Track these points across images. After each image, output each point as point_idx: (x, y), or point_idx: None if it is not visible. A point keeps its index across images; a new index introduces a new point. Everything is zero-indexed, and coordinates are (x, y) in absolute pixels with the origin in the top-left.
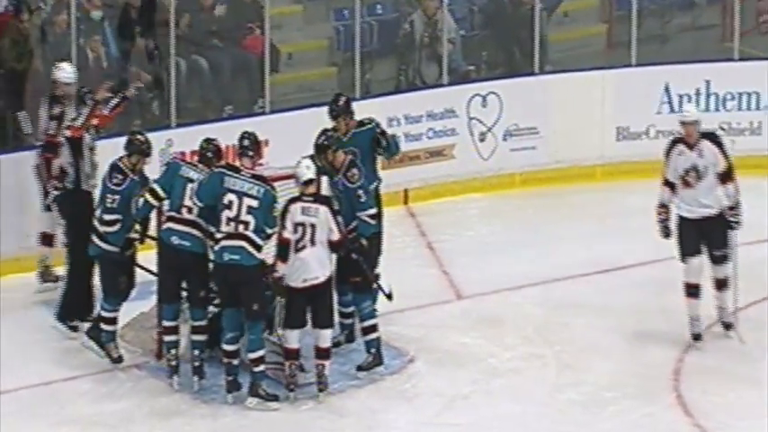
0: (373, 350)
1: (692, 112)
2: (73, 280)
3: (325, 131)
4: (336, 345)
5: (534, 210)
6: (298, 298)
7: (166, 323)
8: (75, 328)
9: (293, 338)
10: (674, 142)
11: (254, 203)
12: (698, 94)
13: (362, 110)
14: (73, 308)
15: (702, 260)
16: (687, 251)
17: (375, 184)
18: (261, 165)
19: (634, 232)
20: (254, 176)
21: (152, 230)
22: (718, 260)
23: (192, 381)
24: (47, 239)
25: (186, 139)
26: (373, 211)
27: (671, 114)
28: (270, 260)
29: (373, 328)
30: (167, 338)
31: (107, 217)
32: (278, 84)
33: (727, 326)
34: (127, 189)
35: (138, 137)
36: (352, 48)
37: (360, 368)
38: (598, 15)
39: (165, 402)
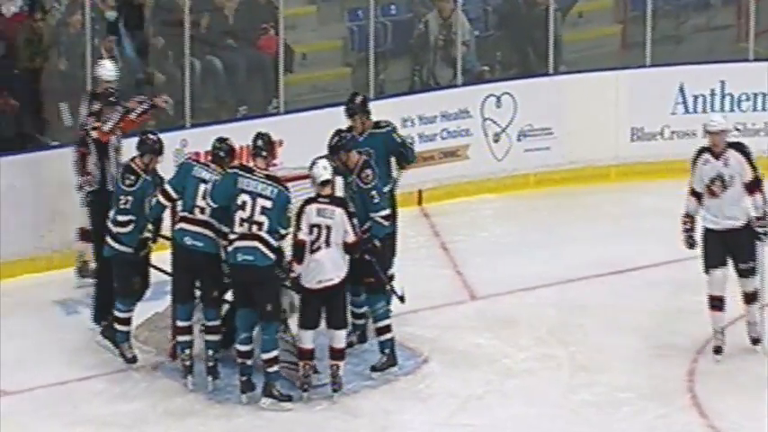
0: (387, 351)
1: (719, 121)
2: (102, 280)
3: (339, 132)
4: (349, 345)
5: (548, 210)
6: (312, 299)
7: (180, 323)
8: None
9: (308, 339)
10: (701, 151)
11: (268, 204)
12: (713, 94)
13: (376, 110)
14: (106, 308)
15: (726, 272)
16: (711, 263)
17: (390, 186)
18: (275, 165)
19: (648, 233)
20: (267, 177)
21: (166, 230)
22: (744, 273)
23: (206, 381)
24: (85, 235)
25: (200, 140)
26: (387, 212)
27: (685, 115)
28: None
29: (387, 329)
30: (181, 339)
31: (120, 218)
32: (292, 84)
33: (755, 341)
34: (140, 189)
35: (150, 136)
36: (366, 48)
37: (374, 369)
38: (613, 16)
39: (180, 402)
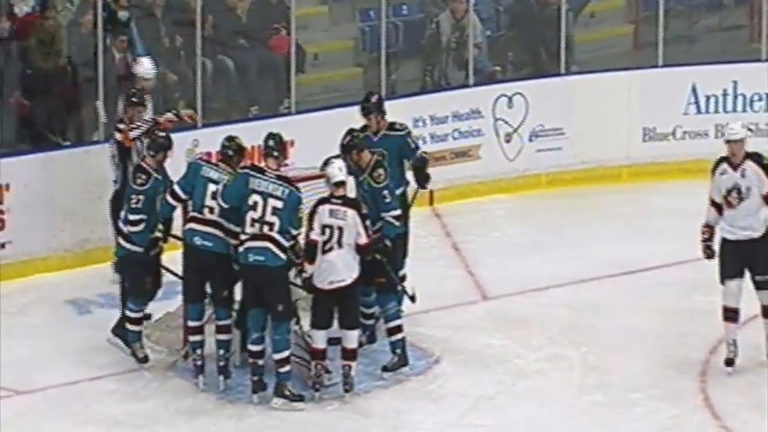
0: (398, 351)
1: (738, 130)
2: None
3: (351, 131)
4: (359, 345)
5: (560, 211)
6: (324, 299)
7: (191, 323)
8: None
9: (320, 339)
10: (719, 161)
11: (279, 204)
12: (725, 95)
13: (388, 111)
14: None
15: (741, 284)
16: (726, 274)
17: (402, 188)
18: (286, 165)
19: (660, 233)
20: (278, 177)
21: (178, 230)
22: (762, 285)
23: (217, 380)
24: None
25: (212, 140)
26: (398, 212)
27: (698, 115)
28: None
29: (398, 329)
30: (192, 338)
31: (132, 217)
32: (303, 84)
33: None
34: (151, 188)
35: (159, 134)
36: (378, 48)
37: (385, 369)
38: (624, 16)
39: (191, 402)
